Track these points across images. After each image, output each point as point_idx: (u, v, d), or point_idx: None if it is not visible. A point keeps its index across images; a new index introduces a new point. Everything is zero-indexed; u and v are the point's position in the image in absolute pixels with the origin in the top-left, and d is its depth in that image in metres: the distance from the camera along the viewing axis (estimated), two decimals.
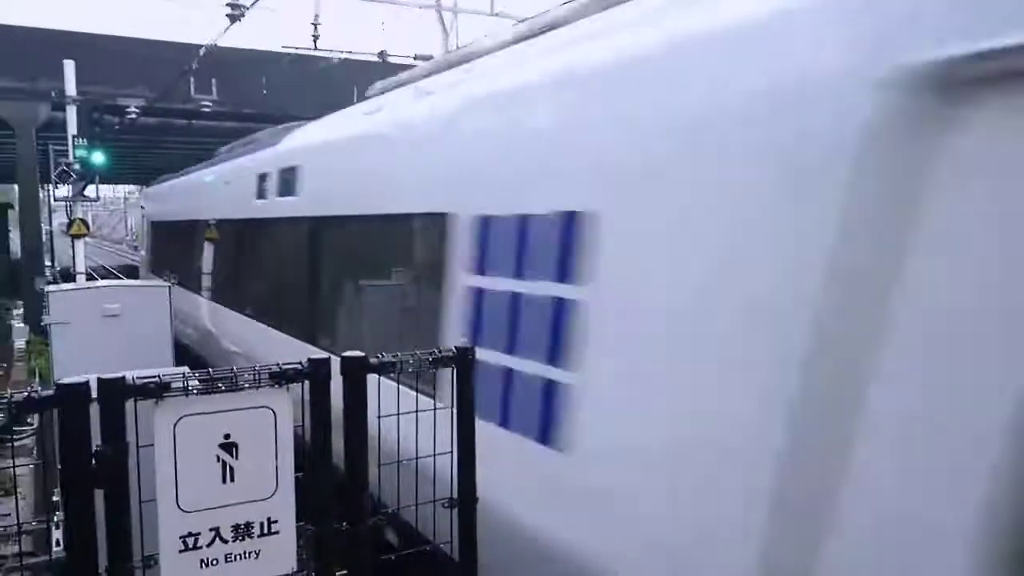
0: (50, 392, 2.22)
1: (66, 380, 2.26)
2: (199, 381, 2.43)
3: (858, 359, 2.31)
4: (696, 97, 2.96)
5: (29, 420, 8.42)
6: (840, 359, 2.37)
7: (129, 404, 2.36)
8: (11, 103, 18.00)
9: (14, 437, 9.24)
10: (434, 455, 2.95)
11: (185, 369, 2.54)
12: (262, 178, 8.31)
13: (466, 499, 2.98)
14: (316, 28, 17.95)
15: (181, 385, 2.40)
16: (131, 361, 6.39)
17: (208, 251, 10.75)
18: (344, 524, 2.75)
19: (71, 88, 16.21)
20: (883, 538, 2.23)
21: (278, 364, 2.58)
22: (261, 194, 8.30)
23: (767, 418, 2.52)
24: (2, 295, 25.95)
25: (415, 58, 18.63)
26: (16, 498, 2.69)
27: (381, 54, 18.59)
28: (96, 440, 2.30)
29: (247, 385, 2.50)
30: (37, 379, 13.19)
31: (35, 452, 9.47)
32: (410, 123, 5.35)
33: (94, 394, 2.30)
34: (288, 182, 7.44)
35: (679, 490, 2.83)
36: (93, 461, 2.26)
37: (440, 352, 2.95)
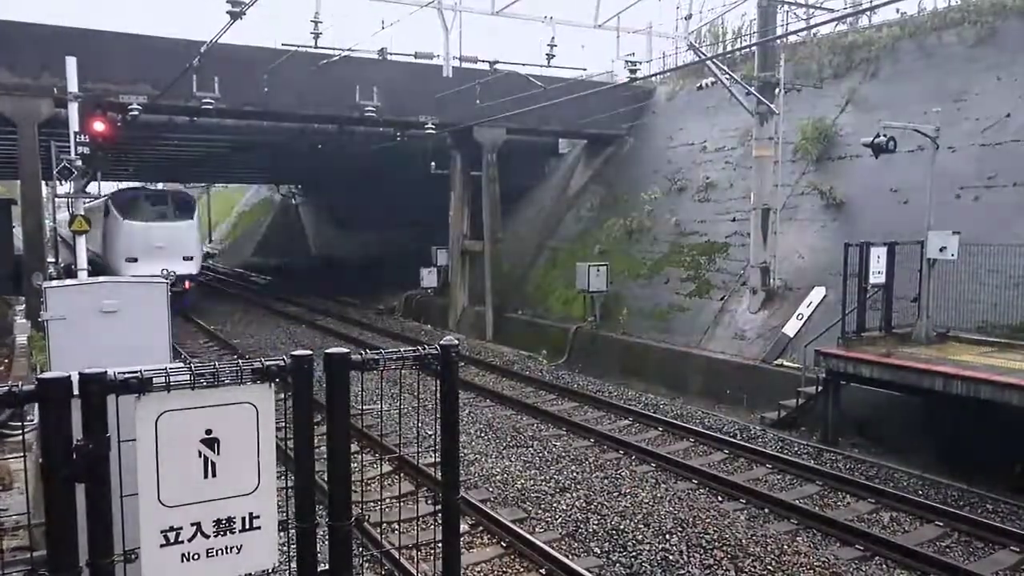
0: (31, 387, 2.23)
1: (47, 375, 2.27)
2: (180, 376, 2.44)
3: None
4: None
5: (29, 416, 8.45)
6: None
7: (112, 399, 2.37)
8: (13, 99, 17.98)
9: (13, 432, 9.24)
10: (417, 452, 2.95)
11: (168, 364, 2.55)
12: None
13: (449, 496, 2.99)
14: (317, 26, 17.94)
15: (162, 380, 2.41)
16: (128, 357, 6.40)
17: None
18: (326, 520, 2.76)
19: (73, 85, 16.21)
20: None
21: (260, 360, 2.59)
22: None
23: None
24: (6, 291, 25.98)
25: (416, 56, 18.62)
26: None
27: (381, 52, 18.56)
28: (78, 435, 2.31)
29: (229, 380, 2.51)
30: (38, 374, 13.20)
31: (35, 447, 9.48)
32: None
33: (76, 389, 2.31)
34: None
35: None
36: (74, 455, 2.27)
37: (424, 350, 2.95)
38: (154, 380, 2.39)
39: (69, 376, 2.29)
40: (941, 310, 13.48)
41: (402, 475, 10.39)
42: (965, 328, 13.41)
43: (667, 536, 8.93)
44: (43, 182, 21.29)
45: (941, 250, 12.71)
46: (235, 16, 13.32)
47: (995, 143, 15.73)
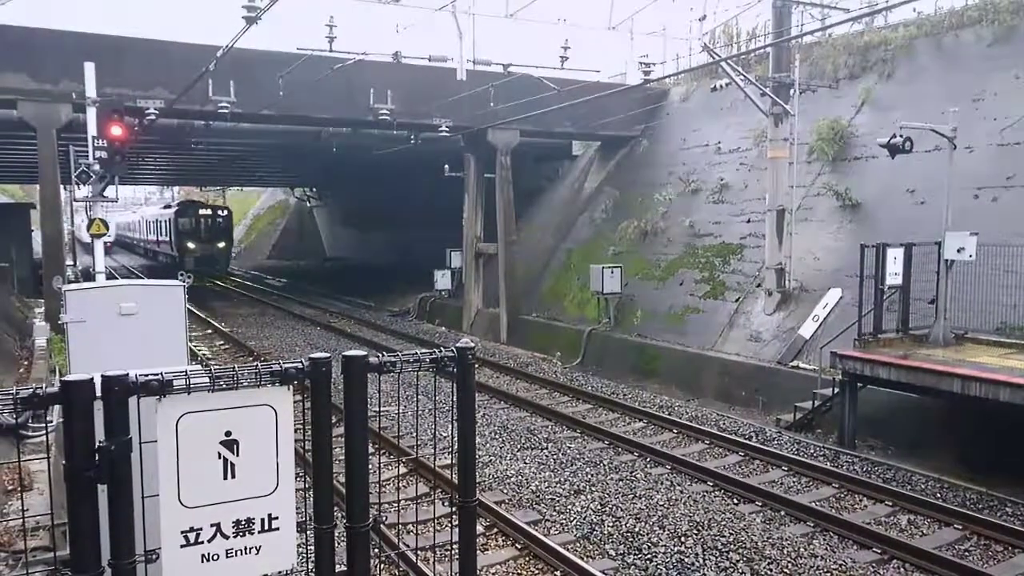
0: (54, 389, 2.26)
1: (70, 377, 2.30)
2: (201, 379, 2.47)
3: None
4: None
5: (48, 417, 8.53)
6: None
7: (133, 401, 2.40)
8: (33, 105, 18.20)
9: (33, 433, 9.35)
10: (434, 454, 2.96)
11: (187, 367, 2.58)
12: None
13: (465, 498, 3.00)
14: (331, 30, 18.04)
15: (183, 382, 2.44)
16: (146, 359, 6.46)
17: None
18: (344, 521, 2.78)
19: (91, 90, 16.38)
20: None
21: (279, 362, 2.62)
22: None
23: None
24: (25, 294, 26.29)
25: (430, 59, 18.68)
26: (21, 495, 2.72)
27: (396, 55, 18.64)
28: (100, 436, 2.34)
29: (248, 383, 2.54)
30: (57, 376, 13.34)
31: (54, 448, 9.57)
32: None
33: (99, 391, 2.34)
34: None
35: None
36: (96, 457, 2.30)
37: (441, 352, 2.97)
38: (175, 382, 2.42)
39: (92, 378, 2.32)
40: (959, 312, 13.36)
41: (418, 477, 10.53)
42: (983, 330, 13.28)
43: (682, 538, 8.91)
44: (62, 186, 21.52)
45: (959, 251, 12.60)
46: (251, 21, 13.40)
47: (1014, 143, 15.58)
